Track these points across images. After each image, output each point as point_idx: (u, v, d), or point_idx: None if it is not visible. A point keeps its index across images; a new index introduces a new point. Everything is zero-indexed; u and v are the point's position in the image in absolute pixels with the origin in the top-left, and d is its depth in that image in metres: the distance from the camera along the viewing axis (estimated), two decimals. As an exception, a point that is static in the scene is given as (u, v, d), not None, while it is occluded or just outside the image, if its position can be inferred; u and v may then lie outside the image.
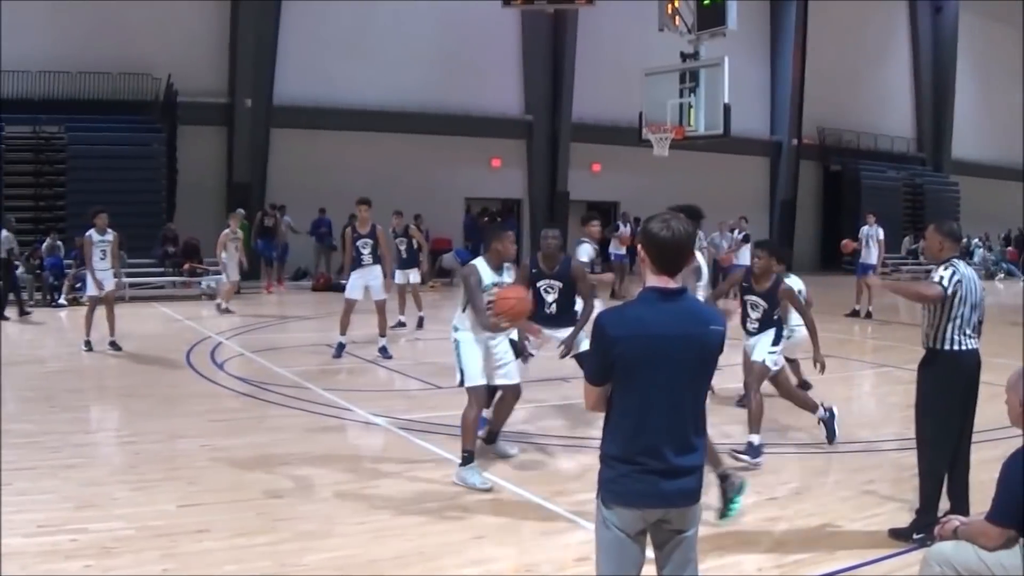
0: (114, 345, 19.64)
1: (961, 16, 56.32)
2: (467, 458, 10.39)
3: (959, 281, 8.40)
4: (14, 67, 32.38)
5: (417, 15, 39.29)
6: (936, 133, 57.35)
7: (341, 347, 18.73)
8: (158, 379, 16.97)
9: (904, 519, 8.85)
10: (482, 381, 10.65)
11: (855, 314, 26.66)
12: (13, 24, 32.27)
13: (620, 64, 38.81)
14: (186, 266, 31.54)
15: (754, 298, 11.80)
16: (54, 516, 8.88)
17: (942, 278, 8.42)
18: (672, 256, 5.12)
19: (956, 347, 8.47)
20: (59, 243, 28.70)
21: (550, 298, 12.05)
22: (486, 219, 41.27)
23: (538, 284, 12.07)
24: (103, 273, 19.67)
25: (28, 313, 25.65)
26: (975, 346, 8.60)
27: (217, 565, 7.83)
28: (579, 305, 11.88)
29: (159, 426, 12.85)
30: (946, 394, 8.48)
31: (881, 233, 27.64)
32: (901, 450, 11.56)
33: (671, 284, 5.16)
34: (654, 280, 5.18)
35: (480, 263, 10.89)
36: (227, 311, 26.73)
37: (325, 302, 28.20)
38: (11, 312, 24.99)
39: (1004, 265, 51.54)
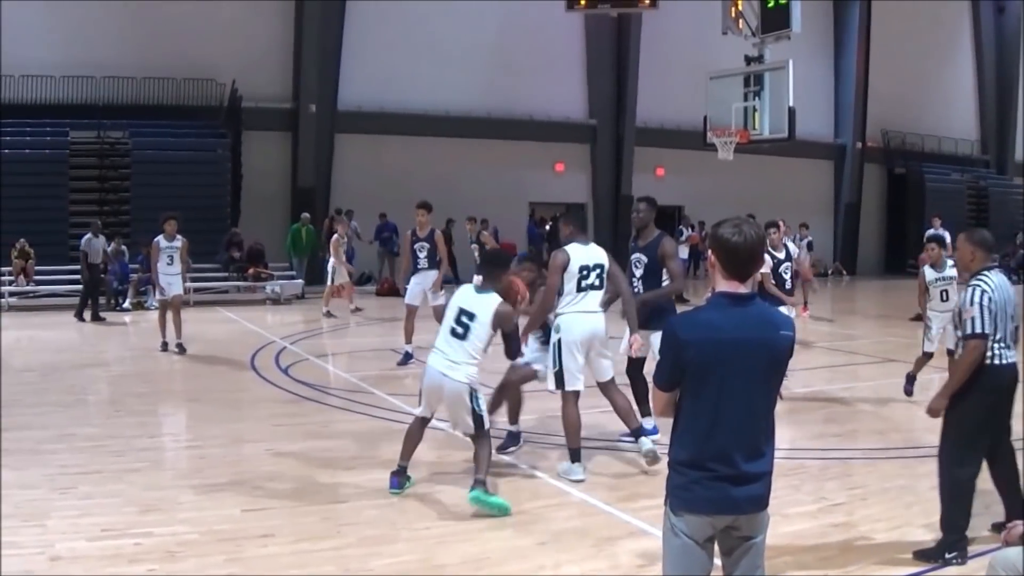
0: (180, 348, 19.89)
1: (1025, 15, 55.86)
2: (574, 454, 10.64)
3: (991, 300, 8.10)
4: (79, 72, 32.67)
5: (481, 19, 39.37)
6: (1000, 135, 56.88)
7: (408, 356, 18.39)
8: (222, 383, 17.05)
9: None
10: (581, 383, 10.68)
11: (919, 318, 26.42)
12: (78, 30, 32.62)
13: (684, 67, 38.74)
14: (251, 271, 31.66)
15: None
16: (118, 520, 8.89)
17: (973, 319, 8.06)
18: (743, 261, 5.09)
19: (995, 361, 8.16)
20: (124, 248, 28.88)
21: (638, 272, 12.21)
22: (547, 226, 41.26)
23: (631, 258, 12.35)
24: (171, 278, 19.95)
25: (102, 319, 25.86)
26: (1013, 359, 8.29)
27: (282, 569, 7.81)
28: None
29: (223, 430, 12.89)
30: (976, 412, 8.17)
31: (948, 236, 27.40)
32: None
33: (741, 289, 5.12)
34: (724, 285, 5.14)
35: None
36: (331, 315, 27.09)
37: (389, 307, 28.21)
38: (85, 314, 25.29)
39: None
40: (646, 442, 10.74)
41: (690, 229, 36.26)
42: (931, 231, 16.72)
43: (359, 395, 15.32)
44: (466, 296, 9.98)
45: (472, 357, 9.74)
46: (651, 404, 5.30)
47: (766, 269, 15.79)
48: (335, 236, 28.10)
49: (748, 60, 26.12)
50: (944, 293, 15.19)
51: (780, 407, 5.36)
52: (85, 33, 32.79)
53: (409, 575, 7.82)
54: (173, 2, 33.93)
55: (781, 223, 16.93)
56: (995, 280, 8.24)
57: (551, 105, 41.37)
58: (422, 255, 18.68)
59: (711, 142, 26.64)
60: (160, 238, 19.93)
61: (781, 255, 15.92)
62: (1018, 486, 8.45)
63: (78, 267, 28.28)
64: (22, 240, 28.79)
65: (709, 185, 40.88)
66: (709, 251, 5.29)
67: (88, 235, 25.89)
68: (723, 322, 5.06)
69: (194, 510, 9.28)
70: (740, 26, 26.56)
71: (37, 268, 29.28)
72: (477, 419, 9.70)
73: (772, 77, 25.35)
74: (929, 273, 15.24)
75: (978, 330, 8.05)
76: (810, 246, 29.17)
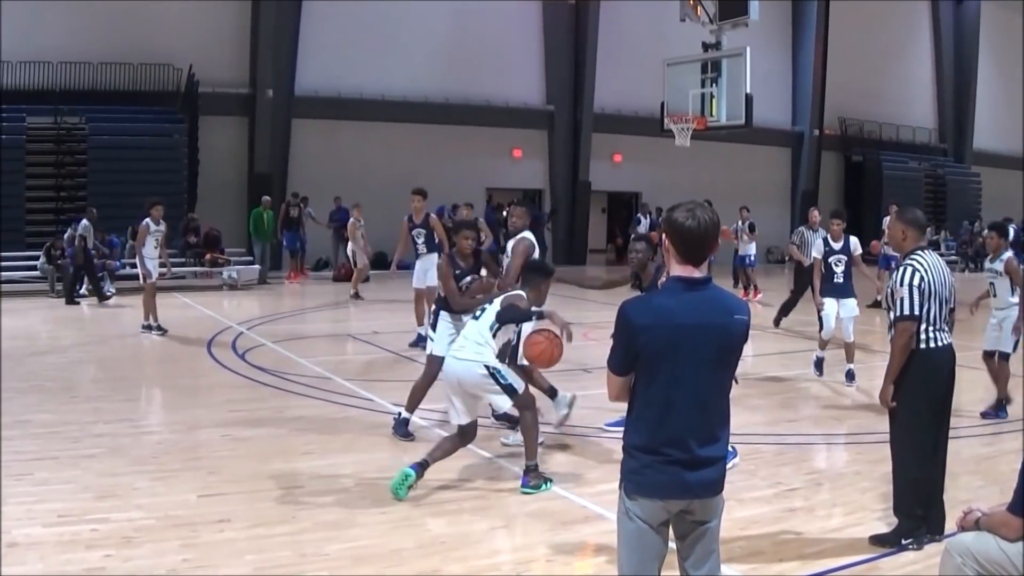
0: (147, 328, 20.49)
1: (983, 6, 56.17)
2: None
3: (923, 280, 8.11)
4: (35, 58, 32.46)
5: (438, 5, 39.33)
6: (958, 123, 57.18)
7: (421, 338, 17.88)
8: (179, 369, 17.03)
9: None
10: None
11: (877, 304, 26.53)
12: (34, 16, 32.39)
13: (642, 54, 38.82)
14: (208, 256, 31.54)
15: None
16: (74, 506, 8.88)
17: (903, 300, 8.12)
18: (697, 245, 5.09)
19: (929, 344, 8.19)
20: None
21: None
22: (504, 212, 41.26)
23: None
24: (152, 262, 20.50)
25: (108, 297, 26.73)
26: (948, 340, 8.34)
27: (238, 555, 7.82)
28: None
29: (180, 416, 12.88)
30: (922, 396, 8.19)
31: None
32: None
33: (696, 273, 5.13)
34: (679, 269, 5.15)
35: None
36: (358, 296, 27.52)
37: (346, 292, 28.13)
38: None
39: (1027, 256, 51.34)
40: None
41: (648, 217, 36.26)
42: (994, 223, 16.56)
43: (316, 380, 15.31)
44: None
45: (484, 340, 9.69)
46: (607, 388, 5.28)
47: (816, 254, 15.96)
48: (351, 220, 28.89)
49: (705, 47, 26.16)
50: (992, 288, 13.59)
51: (734, 391, 5.39)
52: (41, 19, 32.58)
53: (364, 561, 7.83)
54: (130, -13, 33.81)
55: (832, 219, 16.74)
56: (928, 260, 8.25)
57: (509, 91, 41.42)
58: (420, 240, 18.90)
59: (668, 128, 26.69)
60: (148, 221, 20.36)
61: (838, 245, 15.89)
62: (942, 477, 8.43)
63: (36, 253, 28.24)
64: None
65: (666, 172, 41.04)
66: (663, 235, 5.30)
67: (84, 220, 26.08)
68: (677, 307, 5.07)
69: (150, 496, 9.27)
70: (698, 13, 26.59)
71: (-8, 254, 29.08)
72: (508, 390, 9.61)
73: (729, 64, 25.41)
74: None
75: (906, 311, 8.11)
76: (751, 227, 29.18)
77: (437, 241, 18.72)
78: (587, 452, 11.31)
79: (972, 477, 10.06)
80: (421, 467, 9.43)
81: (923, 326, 8.15)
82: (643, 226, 35.39)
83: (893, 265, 24.40)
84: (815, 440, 12.30)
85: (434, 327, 11.94)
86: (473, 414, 9.80)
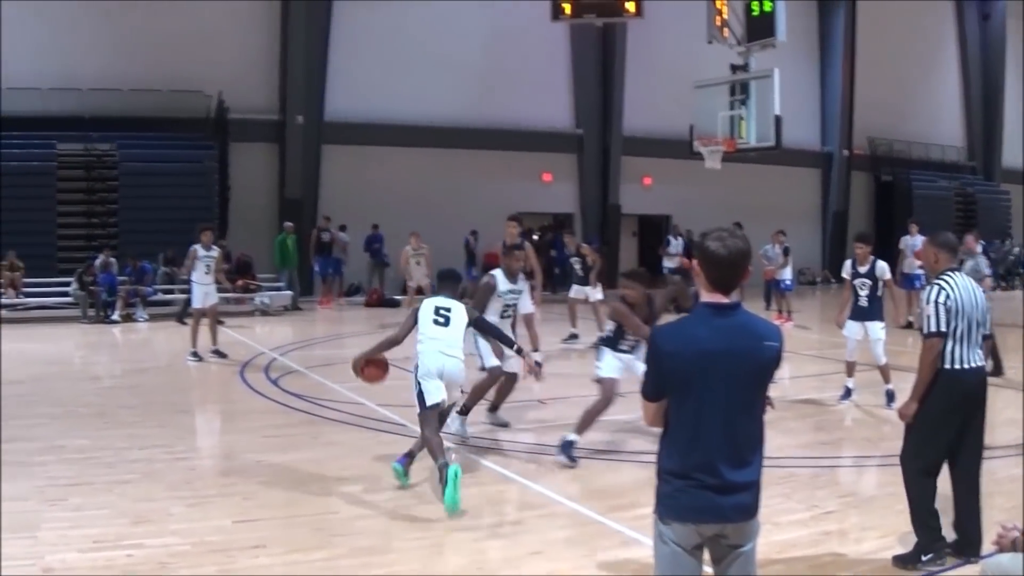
0: (218, 353, 20.54)
1: (1009, 23, 55.97)
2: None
3: (948, 297, 8.06)
4: (66, 85, 32.61)
5: (467, 30, 39.42)
6: (986, 141, 56.94)
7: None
8: (212, 395, 17.11)
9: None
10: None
11: (909, 326, 26.40)
12: (64, 42, 32.60)
13: (670, 77, 38.84)
14: (239, 282, 31.58)
15: None
16: (110, 532, 8.88)
17: (929, 318, 8.11)
18: (727, 273, 5.11)
19: (957, 365, 8.10)
20: (112, 260, 28.82)
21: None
22: (535, 236, 41.26)
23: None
24: (208, 287, 20.65)
25: (185, 323, 26.44)
26: (979, 363, 8.25)
27: (273, 581, 7.82)
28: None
29: (214, 442, 12.94)
30: (936, 415, 8.14)
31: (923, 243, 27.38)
32: None
33: (725, 300, 5.14)
34: (708, 296, 5.16)
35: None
36: None
37: (378, 317, 28.17)
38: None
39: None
40: None
41: (679, 239, 36.25)
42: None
43: (350, 406, 15.27)
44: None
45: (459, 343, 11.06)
46: (641, 414, 5.31)
47: (845, 275, 16.00)
48: (406, 248, 28.84)
49: (734, 69, 26.21)
50: None
51: (769, 415, 5.37)
52: (72, 45, 32.77)
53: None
54: (159, 14, 33.98)
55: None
56: (957, 281, 8.21)
57: (538, 115, 41.38)
58: None
59: (698, 151, 26.71)
60: (198, 247, 20.46)
61: (863, 269, 15.80)
62: (976, 499, 8.37)
63: (67, 279, 28.39)
64: (11, 252, 28.69)
65: (697, 194, 40.97)
66: (694, 261, 5.32)
67: (197, 245, 26.46)
68: (706, 333, 5.08)
69: (185, 521, 9.27)
70: (725, 35, 26.67)
71: (25, 280, 29.19)
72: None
73: (758, 85, 25.44)
74: None
75: (932, 328, 8.08)
76: (786, 251, 29.00)
77: (529, 269, 18.52)
78: (624, 476, 11.29)
79: (1007, 498, 9.99)
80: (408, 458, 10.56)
81: (950, 345, 8.09)
82: (674, 247, 35.40)
83: (916, 285, 24.34)
84: (850, 463, 12.24)
85: (599, 357, 12.43)
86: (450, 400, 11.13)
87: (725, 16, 26.88)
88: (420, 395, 10.59)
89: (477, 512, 9.72)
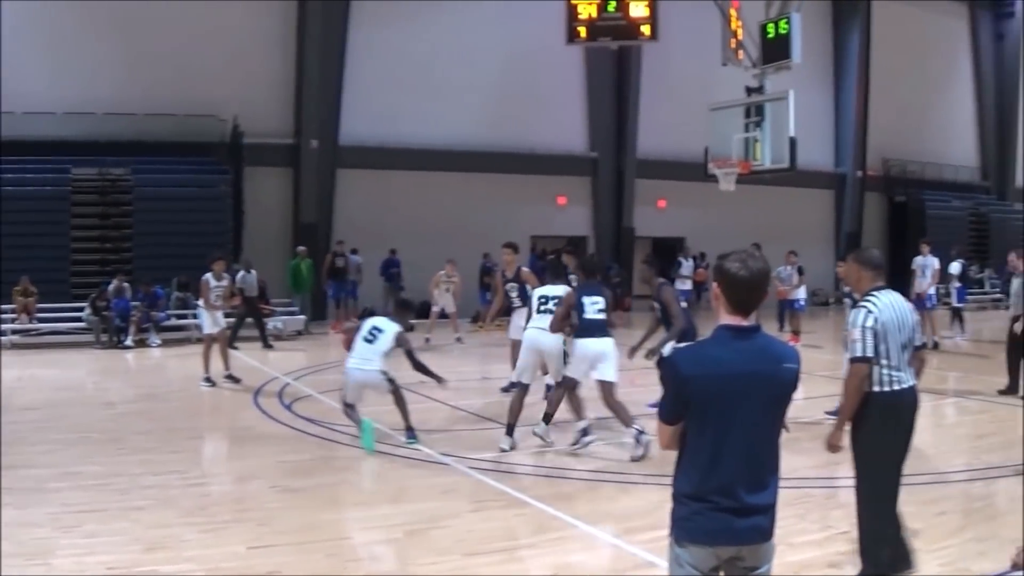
0: (231, 378, 20.68)
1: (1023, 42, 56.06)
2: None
3: (876, 320, 7.93)
4: (80, 109, 32.67)
5: (481, 53, 39.46)
6: (1000, 161, 56.98)
7: (512, 384, 18.23)
8: (226, 420, 17.10)
9: (974, 550, 8.73)
10: None
11: (923, 346, 26.33)
12: (79, 66, 32.66)
13: (685, 99, 38.79)
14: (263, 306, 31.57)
15: None
16: (124, 558, 8.86)
17: (855, 342, 7.95)
18: (747, 295, 5.11)
19: (890, 387, 7.97)
20: (126, 285, 28.83)
21: None
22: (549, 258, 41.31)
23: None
24: (216, 314, 20.78)
25: (271, 347, 27.40)
26: (911, 382, 8.13)
27: (289, 607, 7.79)
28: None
29: (228, 467, 12.91)
30: (888, 441, 8.02)
31: (936, 263, 27.48)
32: (971, 480, 11.72)
33: (744, 322, 5.11)
34: (728, 318, 5.14)
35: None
36: (460, 341, 28.56)
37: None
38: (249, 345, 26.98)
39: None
40: None
41: (691, 260, 36.31)
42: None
43: (364, 430, 15.28)
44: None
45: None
46: (657, 437, 5.29)
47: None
48: (440, 273, 29.73)
49: (748, 91, 26.22)
50: None
51: (784, 437, 5.33)
52: (86, 69, 32.83)
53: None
54: (174, 38, 34.07)
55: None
56: (883, 300, 8.08)
57: (552, 138, 41.39)
58: (513, 294, 19.31)
59: (712, 173, 26.70)
60: (209, 276, 20.54)
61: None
62: (894, 511, 8.27)
63: (81, 304, 28.42)
64: (24, 278, 28.72)
65: (711, 216, 40.96)
66: (714, 283, 5.29)
67: (242, 272, 26.46)
68: (725, 356, 5.06)
69: (200, 548, 9.25)
70: (740, 57, 26.68)
71: (39, 306, 29.20)
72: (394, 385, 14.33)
73: (773, 107, 25.43)
74: None
75: (858, 353, 7.95)
76: (800, 271, 29.02)
77: (529, 294, 18.73)
78: (638, 498, 11.24)
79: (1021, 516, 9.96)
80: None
81: (881, 368, 7.97)
82: (685, 268, 35.46)
83: (928, 305, 24.23)
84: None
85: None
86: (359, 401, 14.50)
87: (740, 38, 26.90)
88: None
89: (493, 536, 9.70)
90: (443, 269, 29.66)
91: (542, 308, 14.03)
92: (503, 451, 13.41)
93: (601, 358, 13.40)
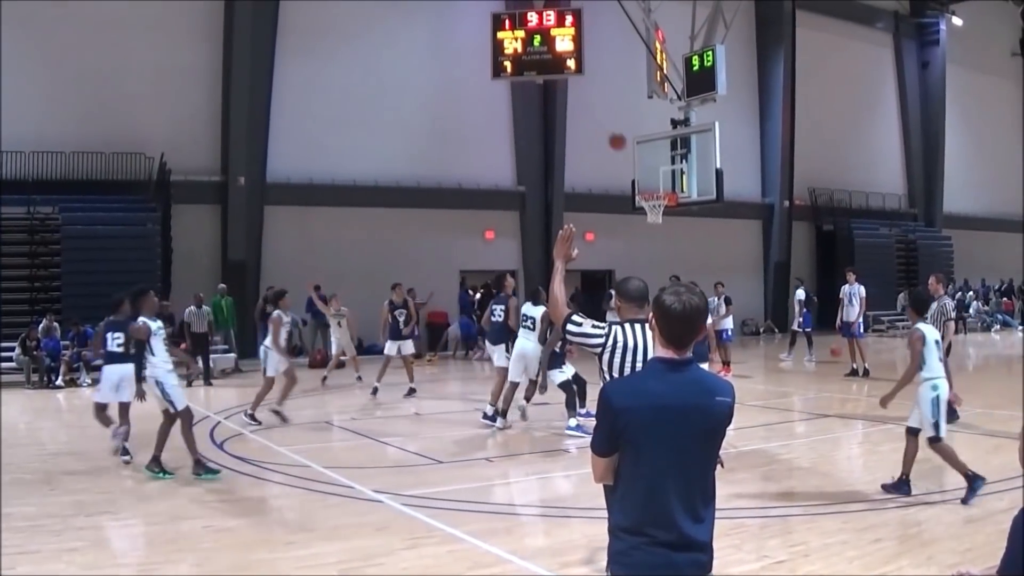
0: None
1: (948, 69, 56.97)
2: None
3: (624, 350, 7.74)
4: (9, 147, 32.42)
5: (408, 89, 39.52)
6: (927, 188, 57.86)
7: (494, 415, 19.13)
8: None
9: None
10: None
11: (853, 373, 26.63)
12: (7, 104, 32.36)
13: (611, 132, 38.99)
14: (183, 346, 31.36)
15: None
16: (58, 602, 8.83)
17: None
18: (681, 329, 5.14)
19: None
20: (55, 324, 28.68)
21: None
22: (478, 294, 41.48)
23: None
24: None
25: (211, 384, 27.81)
26: None
27: (224, 648, 7.79)
28: None
29: (161, 507, 12.82)
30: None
31: (862, 291, 27.85)
32: (907, 507, 11.71)
33: (678, 355, 5.15)
34: (662, 351, 5.18)
35: None
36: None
37: (320, 378, 28.14)
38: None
39: (1000, 316, 52.18)
40: None
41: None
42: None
43: (296, 469, 15.24)
44: None
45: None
46: (591, 470, 5.33)
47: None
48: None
49: (674, 123, 26.43)
50: None
51: (718, 470, 5.41)
52: (13, 108, 32.57)
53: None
54: (101, 76, 33.98)
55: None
56: (629, 331, 7.88)
57: (480, 173, 41.47)
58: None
59: (640, 206, 26.84)
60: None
61: None
62: None
63: (11, 344, 28.22)
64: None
65: (639, 248, 41.11)
66: (650, 314, 5.35)
67: (191, 307, 26.22)
68: (658, 388, 5.08)
69: (134, 589, 9.22)
70: (665, 90, 26.90)
71: (-33, 345, 28.96)
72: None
73: (699, 139, 25.63)
74: None
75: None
76: (727, 301, 29.30)
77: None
78: (573, 532, 11.30)
79: (957, 541, 10.08)
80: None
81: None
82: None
83: (856, 334, 24.80)
84: (799, 512, 12.30)
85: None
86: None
87: (666, 71, 27.12)
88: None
89: (427, 573, 9.71)
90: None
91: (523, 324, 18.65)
92: (500, 429, 17.83)
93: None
